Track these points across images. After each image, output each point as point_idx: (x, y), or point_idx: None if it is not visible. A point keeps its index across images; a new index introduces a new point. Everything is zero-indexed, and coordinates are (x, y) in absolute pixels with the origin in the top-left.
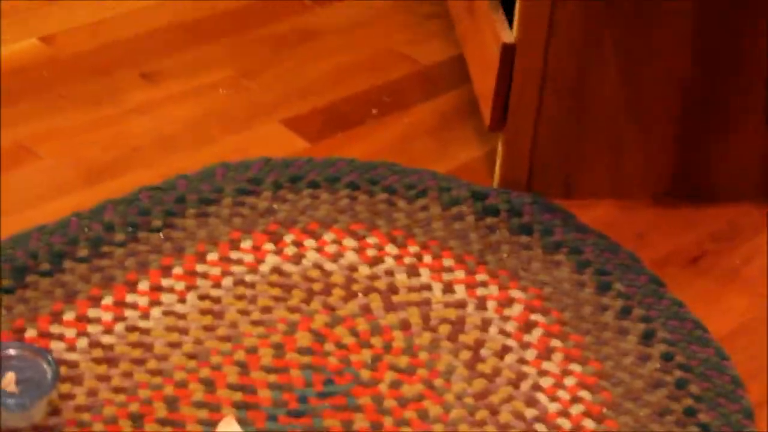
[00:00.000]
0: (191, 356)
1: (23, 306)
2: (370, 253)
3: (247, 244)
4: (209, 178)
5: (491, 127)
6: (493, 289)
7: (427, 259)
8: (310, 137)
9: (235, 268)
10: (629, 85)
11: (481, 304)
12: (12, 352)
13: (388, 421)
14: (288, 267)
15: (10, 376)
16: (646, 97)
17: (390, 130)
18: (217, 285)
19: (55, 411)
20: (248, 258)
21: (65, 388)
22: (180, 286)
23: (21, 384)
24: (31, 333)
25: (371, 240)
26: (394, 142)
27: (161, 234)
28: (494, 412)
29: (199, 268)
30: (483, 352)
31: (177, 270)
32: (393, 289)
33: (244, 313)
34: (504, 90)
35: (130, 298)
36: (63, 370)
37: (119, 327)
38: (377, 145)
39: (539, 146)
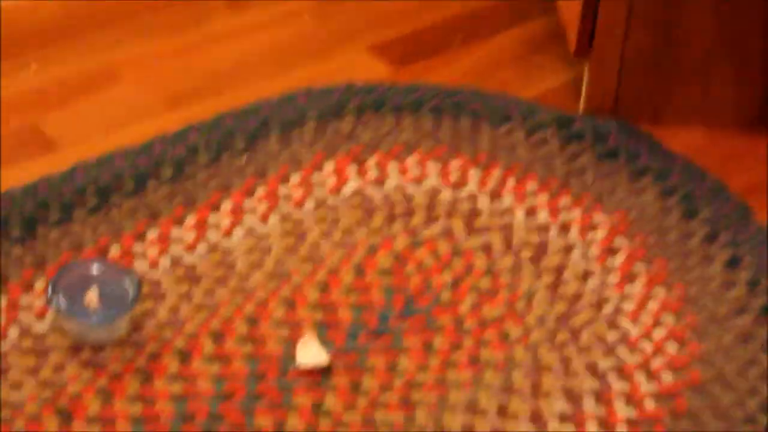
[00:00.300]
0: (273, 276)
1: (107, 225)
2: (453, 176)
3: (329, 166)
4: (292, 102)
5: (577, 53)
6: (577, 214)
7: (511, 183)
8: (394, 63)
9: (318, 190)
10: (719, 10)
11: (565, 228)
12: (96, 269)
13: (468, 342)
14: (370, 190)
15: (93, 293)
16: (736, 22)
17: (474, 57)
18: (299, 206)
19: (137, 327)
20: (331, 180)
21: (147, 305)
22: (263, 207)
23: (104, 300)
24: (114, 251)
25: (454, 164)
26: (479, 69)
27: (244, 156)
28: (575, 334)
29: (282, 189)
30: (565, 275)
31: (259, 191)
32: (475, 213)
33: (325, 234)
34: (590, 14)
35: (212, 218)
36: (145, 288)
37: (201, 246)
38: (461, 72)
39: (626, 72)
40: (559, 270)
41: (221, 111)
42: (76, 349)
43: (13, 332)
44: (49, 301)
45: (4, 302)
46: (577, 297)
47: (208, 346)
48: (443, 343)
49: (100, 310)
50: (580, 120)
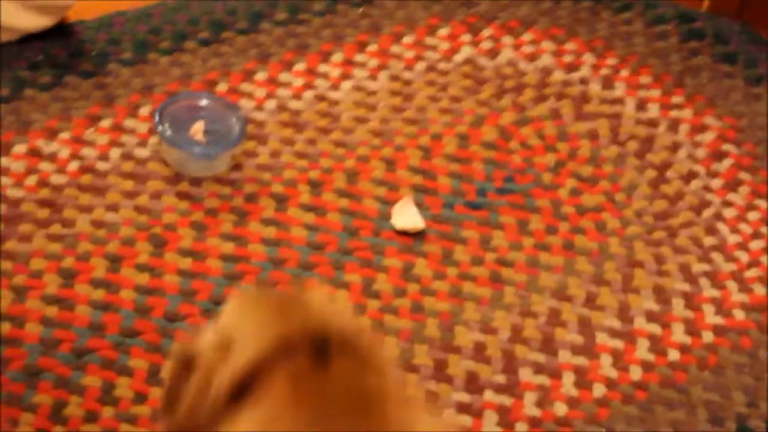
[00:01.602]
0: (376, 134)
1: (217, 60)
2: (567, 59)
3: (444, 31)
4: None
5: None
6: (688, 113)
7: (624, 73)
8: None
9: (430, 54)
10: None
11: (674, 126)
12: (204, 102)
13: (563, 227)
14: (482, 60)
15: (199, 125)
16: None
17: None
18: (409, 68)
19: (237, 166)
20: (444, 46)
21: (250, 145)
22: (373, 63)
23: (209, 134)
24: (222, 87)
25: (570, 46)
26: None
27: (360, 9)
28: (672, 234)
29: (394, 49)
30: (669, 173)
31: (372, 47)
32: (585, 98)
33: (433, 99)
34: None
35: (322, 68)
36: (249, 128)
37: (308, 94)
38: None
39: None
40: (664, 167)
41: None
42: (174, 179)
43: (114, 154)
44: (154, 128)
45: (108, 123)
46: (678, 197)
47: (305, 194)
48: (539, 224)
49: (203, 143)
50: (702, 18)
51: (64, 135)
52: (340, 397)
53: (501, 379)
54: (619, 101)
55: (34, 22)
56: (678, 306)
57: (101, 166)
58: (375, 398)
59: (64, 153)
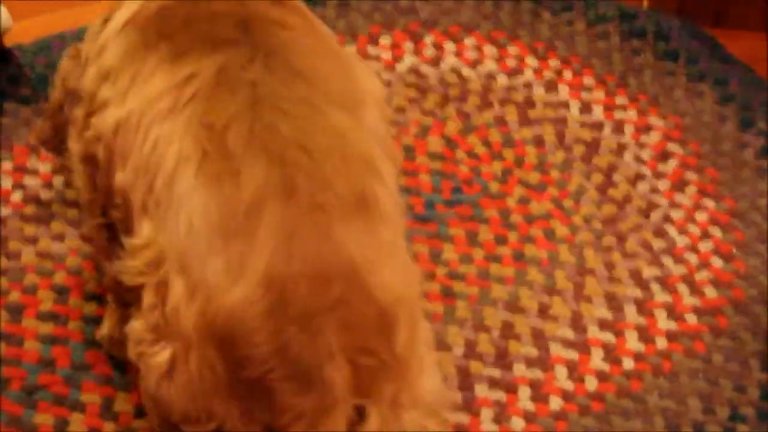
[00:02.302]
0: None
1: None
2: (510, 63)
3: (386, 40)
4: None
5: None
6: (632, 114)
7: (567, 75)
8: None
9: (373, 64)
10: None
11: (618, 128)
12: None
13: (512, 236)
14: (425, 68)
15: None
16: None
17: None
18: None
19: None
20: (386, 55)
21: None
22: None
23: None
24: None
25: (512, 49)
26: None
27: None
28: (621, 239)
29: None
30: (615, 177)
31: None
32: (530, 103)
33: None
34: None
35: None
36: None
37: None
38: None
39: None
40: (610, 170)
41: None
42: None
43: (57, 181)
44: None
45: None
46: (626, 200)
47: None
48: (488, 234)
49: None
50: (643, 15)
51: (6, 165)
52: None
53: (456, 396)
54: (563, 105)
55: None
56: (630, 313)
57: (45, 195)
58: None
59: (7, 183)
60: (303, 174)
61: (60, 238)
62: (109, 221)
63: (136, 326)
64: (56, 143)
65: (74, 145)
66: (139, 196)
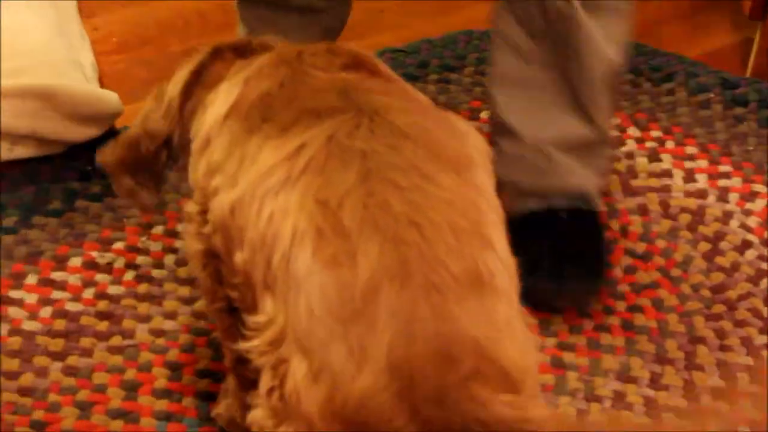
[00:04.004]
0: None
1: None
2: (612, 134)
3: (487, 113)
4: (452, 44)
5: (752, 16)
6: (737, 181)
7: (670, 144)
8: None
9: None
10: None
11: (723, 196)
12: None
13: (620, 306)
14: None
15: None
16: None
17: (640, 12)
18: None
19: None
20: (486, 128)
21: None
22: None
23: None
24: None
25: (614, 121)
26: (644, 24)
27: None
28: (731, 307)
29: None
30: (722, 245)
31: None
32: (633, 173)
33: None
34: None
35: None
36: None
37: None
38: None
39: None
40: (717, 239)
41: (382, 47)
42: None
43: (169, 260)
44: None
45: (161, 229)
46: (734, 268)
47: None
48: (596, 305)
49: None
50: (745, 83)
51: (119, 245)
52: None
53: None
54: (667, 174)
55: (81, 132)
56: (743, 381)
57: (156, 273)
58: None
59: (120, 263)
60: (416, 253)
61: (172, 316)
62: (231, 304)
63: (258, 415)
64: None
65: (193, 245)
66: (260, 272)
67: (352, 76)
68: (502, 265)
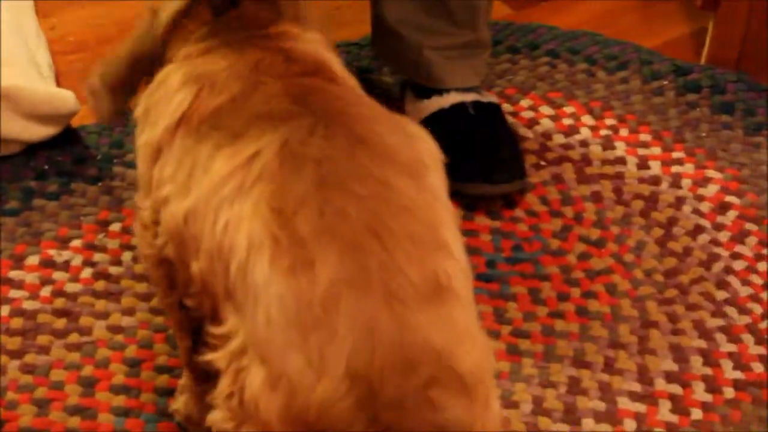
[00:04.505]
0: None
1: None
2: (566, 122)
3: None
4: None
5: (704, 5)
6: (689, 168)
7: (624, 132)
8: (514, 4)
9: None
10: None
11: (676, 182)
12: None
13: (575, 293)
14: None
15: None
16: None
17: (596, 3)
18: None
19: None
20: None
21: None
22: None
23: None
24: None
25: (568, 109)
26: (600, 14)
27: None
28: (684, 291)
29: None
30: (675, 230)
31: None
32: (587, 161)
33: None
34: None
35: None
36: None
37: None
38: (582, 17)
39: (752, 29)
40: (670, 224)
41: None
42: None
43: (126, 257)
44: None
45: (118, 227)
46: (686, 253)
47: None
48: (550, 291)
49: None
50: (698, 70)
51: (76, 242)
52: None
53: None
54: (620, 161)
55: (38, 132)
56: (696, 364)
57: (114, 270)
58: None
59: (77, 261)
60: (375, 261)
61: (130, 312)
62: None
63: (217, 416)
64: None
65: (145, 249)
66: (220, 282)
67: (308, 81)
68: (459, 270)
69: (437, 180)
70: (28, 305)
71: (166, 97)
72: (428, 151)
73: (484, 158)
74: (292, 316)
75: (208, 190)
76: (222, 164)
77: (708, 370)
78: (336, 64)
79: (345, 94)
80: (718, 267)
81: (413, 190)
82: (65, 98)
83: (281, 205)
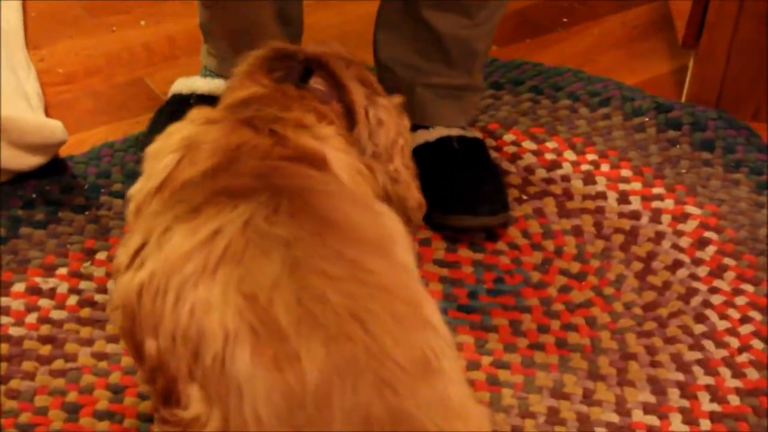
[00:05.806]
0: None
1: None
2: (549, 157)
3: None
4: None
5: (685, 44)
6: (669, 203)
7: (605, 167)
8: (498, 41)
9: None
10: None
11: (656, 217)
12: None
13: (555, 325)
14: None
15: None
16: None
17: (579, 40)
18: None
19: None
20: None
21: None
22: None
23: None
24: None
25: (551, 144)
26: (582, 51)
27: None
28: (662, 324)
29: None
30: (654, 264)
31: None
32: (568, 195)
33: None
34: (701, 7)
35: None
36: None
37: None
38: (565, 54)
39: (731, 67)
40: (649, 258)
41: None
42: None
43: (111, 285)
44: None
45: (104, 255)
46: (665, 287)
47: None
48: (530, 324)
49: None
50: (679, 107)
51: (62, 270)
52: None
53: None
54: (601, 196)
55: (27, 161)
56: (674, 396)
57: (100, 298)
58: None
59: (63, 288)
60: (363, 349)
61: (115, 339)
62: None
63: None
64: None
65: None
66: (184, 365)
67: (285, 164)
68: (444, 344)
69: (405, 254)
70: (14, 331)
71: (162, 154)
72: (393, 227)
73: (467, 191)
74: (283, 415)
75: (167, 266)
76: (181, 240)
77: (685, 402)
78: (340, 161)
79: (318, 177)
80: (696, 301)
81: (386, 268)
82: (54, 128)
83: (254, 290)
